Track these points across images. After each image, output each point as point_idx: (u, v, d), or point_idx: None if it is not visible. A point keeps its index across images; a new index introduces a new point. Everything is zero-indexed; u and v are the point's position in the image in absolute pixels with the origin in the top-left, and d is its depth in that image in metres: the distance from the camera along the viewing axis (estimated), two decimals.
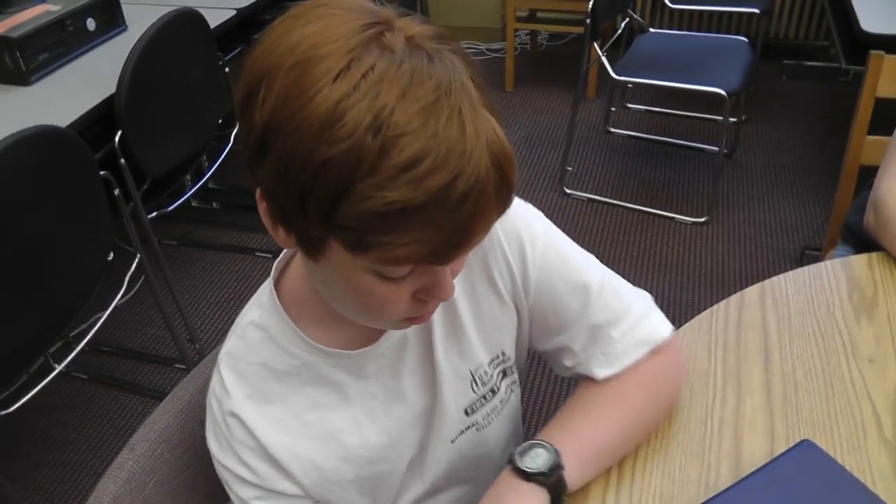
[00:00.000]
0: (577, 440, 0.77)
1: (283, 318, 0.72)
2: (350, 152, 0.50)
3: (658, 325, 0.81)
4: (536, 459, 0.74)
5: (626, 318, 0.79)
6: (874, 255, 1.09)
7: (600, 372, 0.79)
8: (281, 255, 0.75)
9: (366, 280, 0.58)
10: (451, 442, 0.81)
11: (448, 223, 0.53)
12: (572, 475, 0.74)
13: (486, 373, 0.79)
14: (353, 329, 0.72)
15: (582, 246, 0.81)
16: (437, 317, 0.75)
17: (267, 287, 0.74)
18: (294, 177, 0.52)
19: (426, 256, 0.54)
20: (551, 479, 0.73)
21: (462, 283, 0.75)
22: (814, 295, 1.03)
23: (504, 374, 0.81)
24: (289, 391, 0.74)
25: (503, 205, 0.57)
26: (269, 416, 0.73)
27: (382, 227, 0.52)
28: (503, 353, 0.80)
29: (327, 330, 0.72)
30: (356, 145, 0.50)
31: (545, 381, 1.99)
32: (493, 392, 0.80)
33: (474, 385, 0.79)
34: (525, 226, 0.77)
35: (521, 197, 0.73)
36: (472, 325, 0.77)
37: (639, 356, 0.79)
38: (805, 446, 0.76)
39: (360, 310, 0.64)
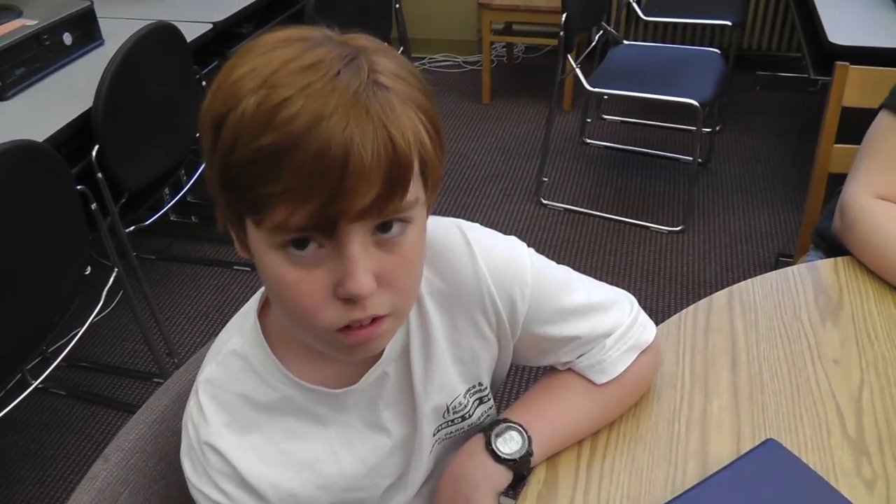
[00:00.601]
0: (547, 426, 0.80)
1: (266, 351, 0.72)
2: (236, 111, 0.55)
3: (645, 327, 0.84)
4: (510, 444, 0.77)
5: (616, 329, 0.81)
6: (840, 259, 1.12)
7: (597, 378, 0.81)
8: (263, 287, 0.75)
9: (276, 263, 0.59)
10: (426, 465, 0.82)
11: (318, 179, 0.53)
12: (535, 457, 0.78)
13: (459, 403, 0.80)
14: (335, 366, 0.73)
15: (559, 256, 0.82)
16: (416, 352, 0.76)
17: (251, 316, 0.74)
18: (209, 157, 0.58)
19: (308, 222, 0.55)
20: (519, 464, 0.76)
21: (442, 317, 0.76)
22: (781, 299, 1.05)
23: (480, 401, 0.83)
24: (267, 421, 0.74)
25: (390, 187, 0.56)
26: (246, 445, 0.73)
27: (261, 177, 0.54)
28: (479, 384, 0.81)
29: (309, 366, 0.73)
30: (243, 104, 0.54)
31: (527, 380, 2.00)
32: (464, 418, 0.82)
33: (446, 413, 0.80)
34: (511, 262, 0.76)
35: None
36: (449, 360, 0.78)
37: (630, 361, 0.82)
38: (769, 445, 0.78)
39: (290, 311, 0.62)
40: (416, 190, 0.59)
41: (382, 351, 0.73)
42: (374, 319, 0.61)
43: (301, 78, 0.54)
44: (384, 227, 0.59)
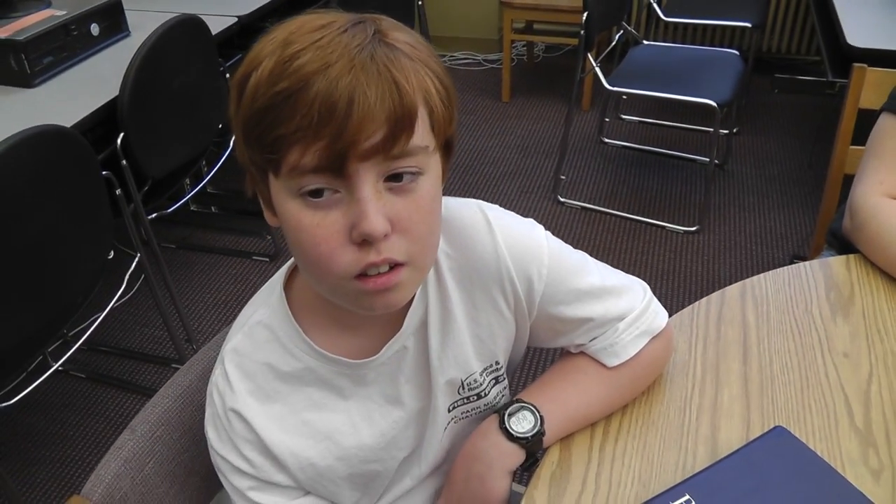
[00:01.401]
0: (559, 407, 0.82)
1: (291, 322, 0.75)
2: (257, 71, 0.60)
3: (657, 314, 0.86)
4: (523, 423, 0.79)
5: (629, 313, 0.83)
6: (851, 256, 1.13)
7: (609, 361, 0.83)
8: (290, 261, 0.77)
9: (295, 209, 0.62)
10: (440, 440, 0.84)
11: (326, 117, 0.57)
12: (548, 437, 0.80)
13: (475, 380, 0.82)
14: (356, 338, 0.76)
15: None
16: (434, 326, 0.78)
17: (277, 288, 0.77)
18: (235, 118, 0.64)
19: (320, 161, 0.59)
20: (532, 443, 0.78)
21: (461, 293, 0.78)
22: (793, 294, 1.06)
23: (496, 381, 0.85)
24: (290, 391, 0.77)
25: (396, 127, 0.59)
26: (270, 413, 0.76)
27: (276, 120, 0.59)
28: (496, 363, 0.83)
29: (332, 338, 0.75)
30: (263, 64, 0.60)
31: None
32: (480, 396, 0.84)
33: (461, 390, 0.82)
34: (529, 242, 0.78)
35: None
36: (467, 336, 0.80)
37: (641, 346, 0.84)
38: (778, 432, 0.80)
39: (309, 259, 0.64)
40: (423, 136, 0.62)
41: (402, 324, 0.76)
42: (392, 268, 0.63)
43: (313, 35, 0.60)
44: (396, 177, 0.62)
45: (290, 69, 0.58)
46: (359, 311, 0.68)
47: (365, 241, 0.61)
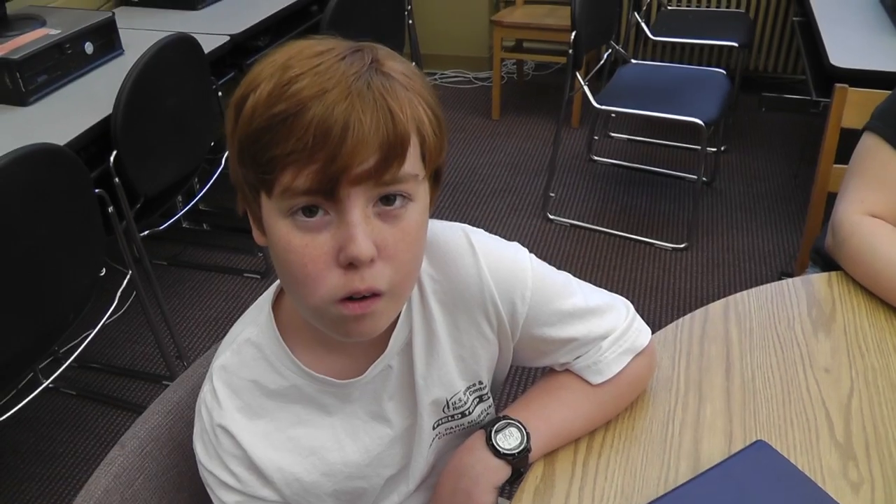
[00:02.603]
0: (545, 423, 0.83)
1: (279, 341, 0.76)
2: (255, 93, 0.62)
3: (640, 332, 0.87)
4: (510, 439, 0.80)
5: (612, 332, 0.85)
6: (833, 273, 1.15)
7: (593, 379, 0.84)
8: (278, 281, 0.78)
9: (285, 230, 0.63)
10: (426, 457, 0.85)
11: (321, 141, 0.59)
12: (533, 453, 0.81)
13: (459, 399, 0.83)
14: (342, 358, 0.77)
15: (564, 271, 0.86)
16: (419, 347, 0.79)
17: (265, 308, 0.78)
18: (230, 138, 0.65)
19: (312, 184, 0.60)
20: (518, 459, 0.79)
21: (444, 315, 0.79)
22: (775, 310, 1.08)
23: (480, 399, 0.86)
24: (276, 407, 0.78)
25: (388, 154, 0.61)
26: (256, 429, 0.77)
27: (272, 141, 0.60)
28: (479, 383, 0.84)
29: (318, 357, 0.77)
30: (261, 87, 0.62)
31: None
32: (464, 414, 0.85)
33: (445, 408, 0.83)
34: (513, 266, 0.79)
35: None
36: (450, 356, 0.81)
37: (625, 363, 0.85)
38: (759, 446, 0.81)
39: (295, 279, 0.65)
40: (413, 164, 0.64)
41: (387, 344, 0.77)
42: (371, 296, 0.65)
43: (312, 61, 0.62)
44: (387, 200, 0.63)
45: (288, 93, 0.60)
46: (337, 337, 0.70)
47: (351, 265, 0.62)
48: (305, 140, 0.59)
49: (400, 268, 0.65)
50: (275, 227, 0.64)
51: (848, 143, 1.54)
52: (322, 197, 0.61)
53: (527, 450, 0.80)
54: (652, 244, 2.72)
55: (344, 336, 0.68)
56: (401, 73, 0.64)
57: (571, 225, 2.84)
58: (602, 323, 0.84)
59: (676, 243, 2.71)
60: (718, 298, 1.09)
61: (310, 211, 0.62)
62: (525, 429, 0.81)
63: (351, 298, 0.64)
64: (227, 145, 0.66)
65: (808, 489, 0.77)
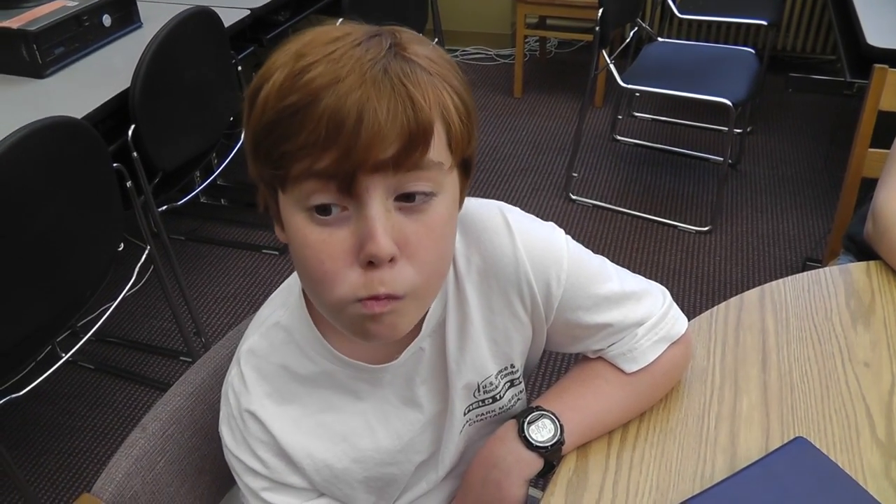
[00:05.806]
0: (578, 415, 0.80)
1: (310, 325, 0.74)
2: (269, 82, 0.59)
3: (676, 320, 0.84)
4: (543, 431, 0.78)
5: (648, 319, 0.82)
6: (872, 263, 1.11)
7: (628, 367, 0.82)
8: None
9: (302, 225, 0.60)
10: (456, 443, 0.83)
11: (334, 133, 0.55)
12: (567, 445, 0.79)
13: (490, 383, 0.81)
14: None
15: None
16: (452, 329, 0.76)
17: (295, 290, 0.76)
18: (246, 128, 0.62)
19: (329, 180, 0.57)
20: (551, 452, 0.77)
21: (478, 296, 0.77)
22: (812, 300, 1.05)
23: (511, 384, 0.83)
24: (306, 393, 0.76)
25: (409, 144, 0.57)
26: (286, 415, 0.75)
27: (284, 134, 0.57)
28: (511, 366, 0.82)
29: (350, 341, 0.74)
30: (275, 76, 0.58)
31: (553, 370, 2.01)
32: (495, 399, 0.83)
33: (476, 392, 0.81)
34: (549, 246, 0.77)
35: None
36: (483, 338, 0.78)
37: (660, 352, 0.82)
38: (799, 443, 0.78)
39: (313, 277, 0.62)
40: (439, 152, 0.60)
41: (421, 327, 0.74)
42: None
43: (326, 48, 0.58)
44: (408, 197, 0.60)
45: (300, 83, 0.57)
46: (357, 339, 0.66)
47: (371, 263, 0.59)
48: (317, 133, 0.55)
49: (423, 268, 0.61)
50: (291, 222, 0.61)
51: (884, 126, 1.49)
52: (338, 191, 0.58)
53: (560, 442, 0.78)
54: (675, 226, 2.68)
55: (363, 338, 0.64)
56: (425, 56, 0.60)
57: (594, 205, 2.80)
58: (638, 309, 0.81)
59: (700, 226, 2.67)
60: (742, 283, 1.06)
61: (325, 210, 0.59)
62: (558, 420, 0.79)
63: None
64: (244, 138, 0.63)
65: (852, 490, 0.74)
